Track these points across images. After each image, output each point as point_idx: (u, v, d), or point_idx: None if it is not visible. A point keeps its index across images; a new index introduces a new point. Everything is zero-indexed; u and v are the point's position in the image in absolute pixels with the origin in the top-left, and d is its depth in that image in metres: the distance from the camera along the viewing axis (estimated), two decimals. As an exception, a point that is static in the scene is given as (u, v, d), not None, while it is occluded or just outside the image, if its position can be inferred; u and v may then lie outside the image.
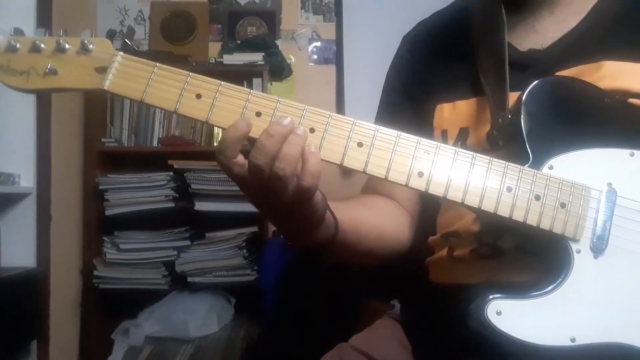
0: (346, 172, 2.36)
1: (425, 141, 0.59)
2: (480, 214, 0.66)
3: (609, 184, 0.61)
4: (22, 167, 2.03)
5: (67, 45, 0.59)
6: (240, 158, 0.56)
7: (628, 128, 0.65)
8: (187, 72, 0.58)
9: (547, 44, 0.75)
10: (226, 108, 0.57)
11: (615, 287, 0.59)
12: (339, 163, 0.58)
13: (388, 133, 0.58)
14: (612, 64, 0.69)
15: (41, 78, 0.58)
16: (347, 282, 1.78)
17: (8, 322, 1.80)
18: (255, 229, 2.19)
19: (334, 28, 2.54)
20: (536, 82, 0.65)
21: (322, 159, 0.57)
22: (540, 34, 0.76)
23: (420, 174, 0.58)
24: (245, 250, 2.13)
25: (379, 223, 0.80)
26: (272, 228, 2.21)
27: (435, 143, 0.59)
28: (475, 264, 0.72)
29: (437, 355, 0.75)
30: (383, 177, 0.58)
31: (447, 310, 0.72)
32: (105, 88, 0.58)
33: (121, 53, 0.60)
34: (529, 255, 0.66)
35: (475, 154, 0.59)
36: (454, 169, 0.58)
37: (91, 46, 0.59)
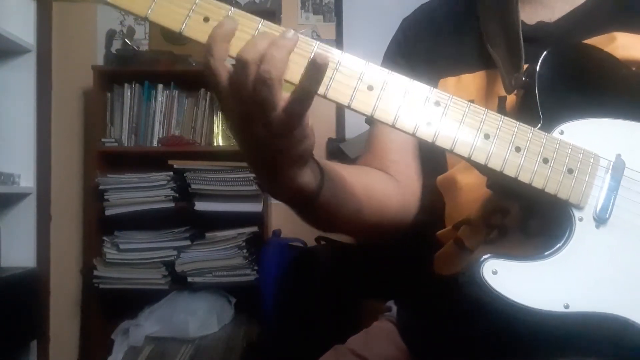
0: (331, 154, 2.35)
1: (437, 92, 0.57)
2: (486, 173, 0.64)
3: (618, 155, 0.60)
4: (22, 167, 2.03)
5: None
6: (227, 64, 0.52)
7: None
8: None
9: (556, 17, 0.74)
10: (237, 36, 0.53)
11: (614, 258, 0.59)
12: (346, 105, 0.54)
13: (400, 79, 0.56)
14: (625, 35, 0.69)
15: None
16: (345, 282, 1.78)
17: (8, 322, 1.80)
18: (255, 229, 2.19)
19: (334, 28, 2.54)
20: (554, 46, 0.64)
21: (328, 98, 0.54)
22: (548, 8, 0.75)
23: (429, 124, 0.56)
24: (245, 250, 2.13)
25: (368, 183, 0.75)
26: (272, 228, 2.21)
27: (448, 95, 0.57)
28: (482, 249, 0.71)
29: (434, 356, 0.75)
30: (391, 123, 0.55)
31: (448, 303, 0.71)
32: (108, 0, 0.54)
33: None
34: (532, 235, 0.65)
35: (487, 110, 0.58)
36: (464, 124, 0.56)
37: None
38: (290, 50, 0.52)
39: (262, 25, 0.54)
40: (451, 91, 0.77)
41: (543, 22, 0.75)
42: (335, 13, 2.54)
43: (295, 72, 0.52)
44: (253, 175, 2.00)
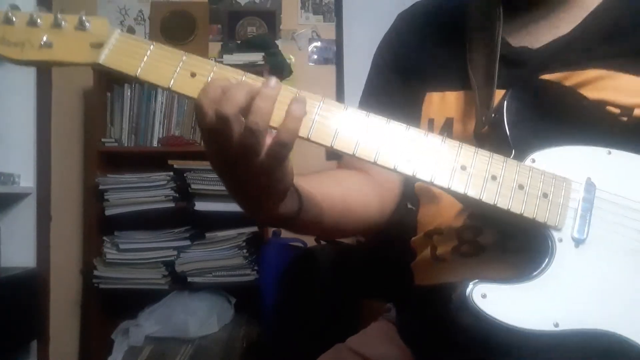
0: (331, 155, 2.36)
1: (413, 129, 0.60)
2: (465, 202, 0.67)
3: (588, 178, 0.63)
4: (22, 167, 2.03)
5: (63, 22, 0.59)
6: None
7: (605, 130, 0.69)
8: (183, 52, 0.59)
9: (539, 45, 0.76)
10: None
11: (595, 275, 0.61)
12: (329, 145, 0.58)
13: (378, 120, 0.60)
14: (595, 73, 0.71)
15: (36, 50, 0.58)
16: (345, 282, 1.78)
17: (8, 322, 1.80)
18: (255, 229, 2.19)
19: (334, 28, 2.54)
20: (519, 84, 0.69)
21: (312, 141, 0.58)
22: (532, 35, 0.77)
23: (409, 161, 0.59)
24: (245, 250, 2.13)
25: (345, 195, 0.79)
26: (272, 228, 2.21)
27: (423, 131, 0.61)
28: (457, 262, 0.73)
29: (433, 355, 0.76)
30: (373, 161, 0.59)
31: (433, 312, 0.73)
32: (101, 62, 0.58)
33: (118, 30, 0.60)
34: (509, 252, 0.68)
35: (461, 143, 0.61)
36: (441, 157, 0.60)
37: (88, 24, 0.60)
38: (274, 99, 0.55)
39: (246, 77, 0.58)
40: (435, 107, 0.81)
41: (526, 48, 0.77)
42: (335, 13, 2.54)
43: (277, 117, 0.56)
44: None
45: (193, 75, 0.58)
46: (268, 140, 0.55)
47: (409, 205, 0.91)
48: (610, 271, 0.61)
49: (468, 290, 0.58)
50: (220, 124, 0.54)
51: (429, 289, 0.78)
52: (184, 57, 0.59)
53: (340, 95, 2.47)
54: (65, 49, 0.59)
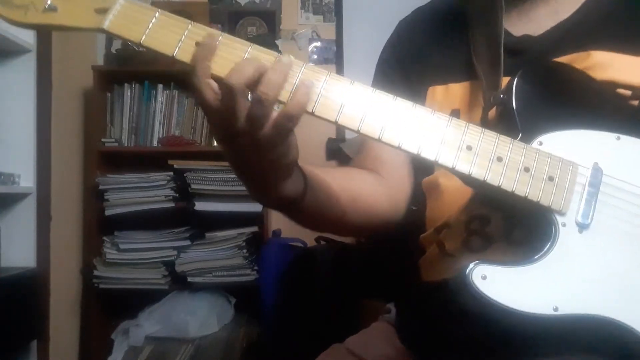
0: (331, 154, 2.36)
1: (420, 107, 0.60)
2: (470, 184, 0.66)
3: (595, 163, 0.62)
4: (22, 167, 2.03)
5: None
6: (213, 82, 0.55)
7: (615, 114, 0.67)
8: (189, 20, 0.58)
9: (540, 32, 0.76)
10: (227, 57, 0.57)
11: (599, 261, 0.60)
12: (334, 121, 0.57)
13: (384, 96, 0.59)
14: (601, 54, 0.71)
15: (40, 13, 0.58)
16: (345, 282, 1.78)
17: (8, 322, 1.80)
18: (255, 229, 2.19)
19: (334, 28, 2.54)
20: (528, 65, 0.67)
21: (316, 115, 0.57)
22: (534, 22, 0.77)
23: (413, 138, 0.58)
24: (245, 250, 2.14)
25: (353, 186, 0.78)
26: (272, 228, 2.21)
27: (430, 110, 0.60)
28: (465, 257, 0.73)
29: (431, 356, 0.76)
30: (377, 137, 0.58)
31: (439, 307, 0.73)
32: (105, 28, 0.57)
33: None
34: (516, 244, 0.67)
35: (468, 123, 0.60)
36: (447, 137, 0.59)
37: None
38: (286, 74, 0.55)
39: (252, 48, 0.57)
40: (439, 99, 0.80)
41: (528, 36, 0.77)
42: (335, 13, 2.54)
43: (285, 90, 0.56)
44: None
45: (198, 44, 0.56)
46: (273, 115, 0.55)
47: (412, 207, 0.91)
48: (613, 258, 0.60)
49: (468, 269, 0.57)
50: (227, 96, 0.53)
51: (436, 284, 0.78)
52: (190, 26, 0.57)
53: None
54: (69, 13, 0.58)
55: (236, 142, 0.57)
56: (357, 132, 0.58)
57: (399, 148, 0.58)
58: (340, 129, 2.43)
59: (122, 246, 2.13)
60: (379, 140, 0.58)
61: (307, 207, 0.67)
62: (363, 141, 0.89)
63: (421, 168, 0.84)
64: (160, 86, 2.30)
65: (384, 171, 0.84)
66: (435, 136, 0.59)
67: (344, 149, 2.26)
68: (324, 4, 2.56)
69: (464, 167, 0.59)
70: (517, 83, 0.66)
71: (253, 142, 0.56)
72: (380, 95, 0.59)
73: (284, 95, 0.55)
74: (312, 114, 0.57)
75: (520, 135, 0.63)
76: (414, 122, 0.59)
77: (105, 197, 2.13)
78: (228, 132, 0.56)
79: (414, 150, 0.58)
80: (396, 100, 0.59)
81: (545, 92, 0.66)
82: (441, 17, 0.87)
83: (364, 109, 0.58)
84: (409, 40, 0.89)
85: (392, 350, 0.82)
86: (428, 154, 0.58)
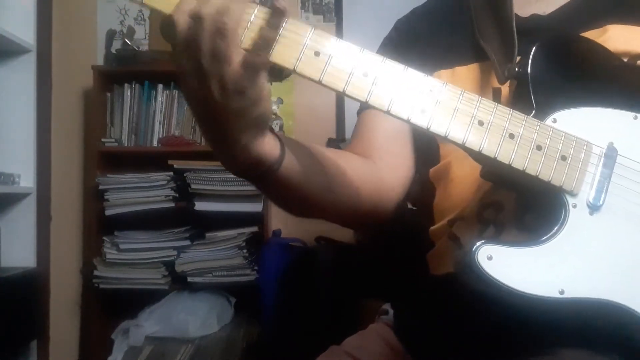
0: (331, 142, 2.34)
1: (432, 79, 0.57)
2: (480, 161, 0.63)
3: (610, 143, 0.60)
4: (22, 167, 2.03)
5: None
6: (188, 18, 0.52)
7: (634, 91, 0.64)
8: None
9: (550, 10, 0.74)
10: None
11: (608, 245, 0.58)
12: (342, 90, 0.55)
13: (395, 66, 0.56)
14: (616, 27, 0.69)
15: None
16: (345, 282, 1.78)
17: (8, 322, 1.80)
18: (255, 229, 2.19)
19: (334, 28, 2.54)
20: (546, 37, 0.64)
21: (323, 84, 0.54)
22: (542, 1, 0.75)
23: (423, 111, 0.56)
24: (245, 250, 2.13)
25: (341, 163, 0.72)
26: (272, 228, 2.21)
27: (442, 82, 0.57)
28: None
29: (430, 356, 0.75)
30: (386, 109, 0.55)
31: (448, 300, 0.71)
32: None
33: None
34: (528, 230, 0.65)
35: (480, 97, 0.58)
36: (458, 111, 0.56)
37: None
38: (246, 3, 0.52)
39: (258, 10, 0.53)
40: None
41: (537, 15, 0.74)
42: (335, 13, 2.54)
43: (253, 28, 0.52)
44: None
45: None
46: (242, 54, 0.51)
47: (412, 207, 0.90)
48: (623, 241, 0.59)
49: (474, 247, 0.55)
50: (192, 24, 0.51)
51: (444, 277, 0.75)
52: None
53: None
54: None
55: (203, 86, 0.53)
56: (366, 102, 0.55)
57: (408, 121, 0.56)
58: (340, 128, 2.44)
59: (122, 246, 2.13)
60: (387, 112, 0.55)
61: (284, 177, 0.60)
62: (356, 127, 0.86)
63: (425, 159, 0.82)
64: (160, 86, 2.30)
65: (376, 157, 0.80)
66: (445, 111, 0.56)
67: (344, 149, 2.26)
68: (324, 4, 2.56)
69: (474, 143, 0.56)
70: (534, 53, 0.63)
71: (220, 83, 0.52)
72: (390, 64, 0.56)
73: (251, 36, 0.52)
74: (319, 82, 0.54)
75: (533, 112, 0.61)
76: (425, 95, 0.56)
77: (105, 197, 2.13)
78: (196, 72, 0.53)
79: (423, 124, 0.56)
80: (407, 71, 0.56)
81: (562, 66, 0.63)
82: (440, 7, 0.86)
83: (373, 78, 0.55)
84: (408, 34, 0.87)
85: (390, 351, 0.82)
86: (437, 129, 0.56)
